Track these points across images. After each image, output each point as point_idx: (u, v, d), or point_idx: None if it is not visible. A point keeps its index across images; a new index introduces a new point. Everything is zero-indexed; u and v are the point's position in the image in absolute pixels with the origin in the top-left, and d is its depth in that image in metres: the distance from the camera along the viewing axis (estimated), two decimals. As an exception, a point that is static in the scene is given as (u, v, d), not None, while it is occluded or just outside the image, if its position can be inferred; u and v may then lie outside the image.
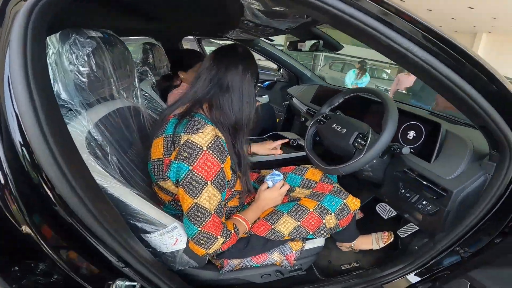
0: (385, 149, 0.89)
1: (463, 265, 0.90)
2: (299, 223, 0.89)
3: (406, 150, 0.89)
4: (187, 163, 0.67)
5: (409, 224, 1.31)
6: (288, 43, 1.53)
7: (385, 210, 1.45)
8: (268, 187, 0.95)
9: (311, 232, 0.91)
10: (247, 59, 0.78)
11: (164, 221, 0.71)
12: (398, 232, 1.31)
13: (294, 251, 0.91)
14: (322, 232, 0.92)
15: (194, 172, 0.67)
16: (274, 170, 1.01)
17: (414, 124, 1.04)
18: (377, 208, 1.48)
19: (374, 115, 1.24)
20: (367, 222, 1.41)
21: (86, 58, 0.69)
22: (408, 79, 5.04)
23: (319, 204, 0.93)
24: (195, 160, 0.66)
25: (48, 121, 0.47)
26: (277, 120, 2.40)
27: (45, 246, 0.53)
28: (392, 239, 1.25)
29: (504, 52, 9.53)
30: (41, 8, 0.47)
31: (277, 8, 0.71)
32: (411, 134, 1.04)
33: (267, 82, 2.60)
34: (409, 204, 0.98)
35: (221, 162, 0.69)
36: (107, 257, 0.60)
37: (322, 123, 1.15)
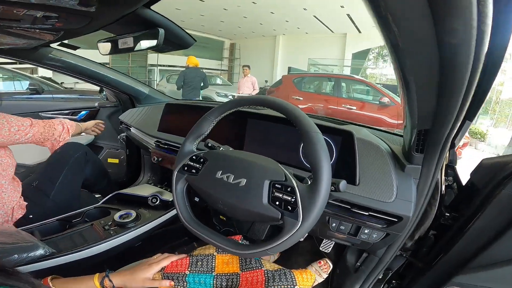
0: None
1: (425, 268, 0.86)
2: None
3: (343, 185, 0.57)
4: None
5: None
6: (103, 45, 0.92)
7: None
8: None
9: None
10: None
11: None
12: (320, 248, 1.14)
13: None
14: None
15: None
16: None
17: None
18: None
19: (260, 134, 0.90)
20: (289, 253, 1.17)
21: None
22: (244, 83, 5.46)
23: None
24: None
25: None
26: (117, 161, 1.66)
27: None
28: (331, 266, 1.08)
29: (294, 50, 12.68)
30: None
31: None
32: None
33: (83, 112, 1.73)
34: (345, 236, 0.77)
35: None
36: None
37: (194, 171, 0.65)
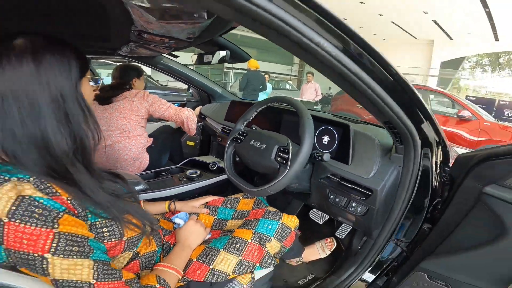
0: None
1: (409, 256, 0.96)
2: (240, 257, 0.77)
3: (327, 156, 0.89)
4: None
5: (343, 225, 1.35)
6: (194, 57, 1.42)
7: (318, 215, 1.47)
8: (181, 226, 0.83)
9: (257, 264, 0.80)
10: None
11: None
12: (336, 234, 1.35)
13: (245, 285, 0.78)
14: (269, 261, 0.82)
15: (12, 252, 0.45)
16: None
17: (326, 129, 1.06)
18: (310, 214, 1.50)
19: (290, 125, 1.23)
20: (306, 232, 1.40)
21: None
22: (307, 89, 5.70)
23: (255, 232, 0.82)
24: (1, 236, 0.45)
25: None
26: (193, 144, 2.21)
27: None
28: (335, 244, 1.28)
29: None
30: None
31: (167, 4, 0.56)
32: (326, 139, 1.06)
33: (176, 104, 2.38)
34: (340, 209, 0.99)
35: (49, 227, 0.46)
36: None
37: (239, 141, 1.04)
